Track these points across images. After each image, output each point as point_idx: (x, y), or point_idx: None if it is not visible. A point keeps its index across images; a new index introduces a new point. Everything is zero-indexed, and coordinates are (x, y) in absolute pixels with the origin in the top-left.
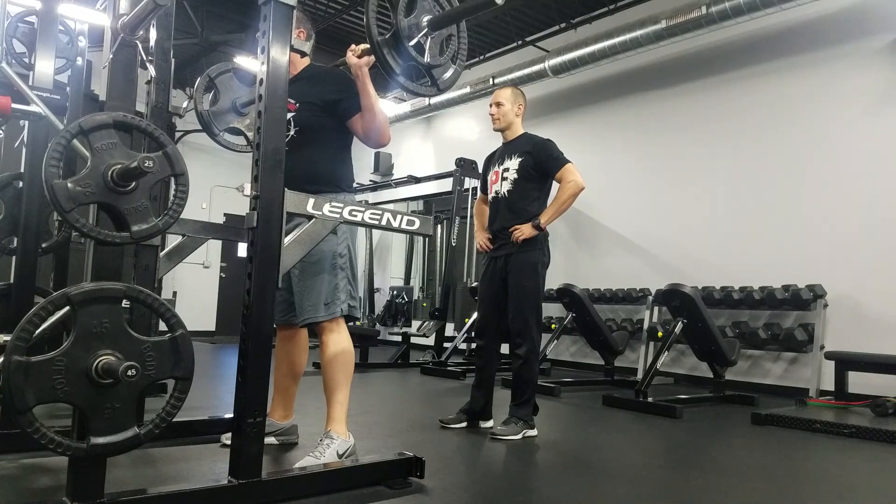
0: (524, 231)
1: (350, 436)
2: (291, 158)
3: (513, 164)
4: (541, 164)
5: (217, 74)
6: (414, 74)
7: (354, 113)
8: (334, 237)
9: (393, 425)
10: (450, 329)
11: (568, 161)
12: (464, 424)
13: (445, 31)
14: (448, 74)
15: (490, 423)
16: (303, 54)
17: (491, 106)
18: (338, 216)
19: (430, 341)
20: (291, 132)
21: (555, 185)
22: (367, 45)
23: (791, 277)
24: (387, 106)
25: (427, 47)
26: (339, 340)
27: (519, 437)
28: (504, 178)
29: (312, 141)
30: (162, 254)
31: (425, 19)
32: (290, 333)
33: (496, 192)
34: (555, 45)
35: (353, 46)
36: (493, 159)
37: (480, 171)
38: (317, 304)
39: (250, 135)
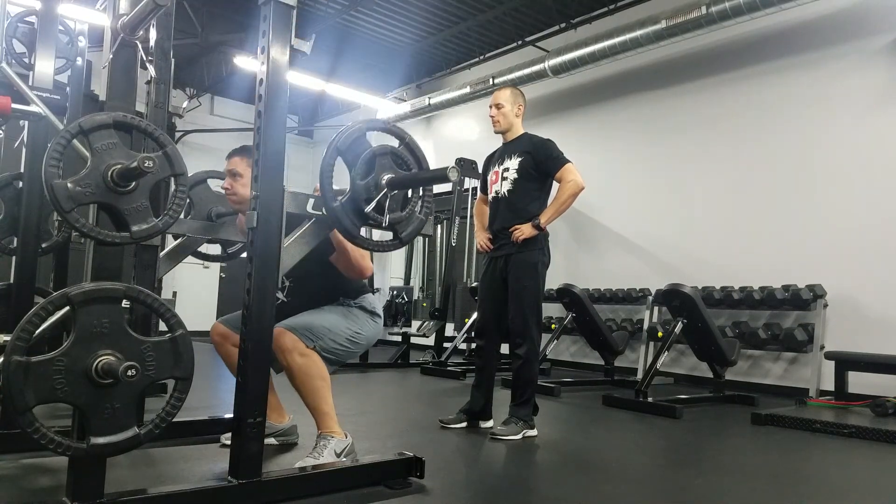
0: (524, 231)
1: (347, 434)
2: (294, 303)
3: (513, 163)
4: (541, 164)
5: (192, 185)
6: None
7: (330, 254)
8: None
9: (393, 425)
10: (450, 329)
11: (568, 161)
12: (464, 424)
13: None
14: (411, 227)
15: (490, 423)
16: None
17: (491, 108)
18: None
19: (430, 341)
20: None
21: (555, 186)
22: None
23: (791, 277)
24: (386, 106)
25: (387, 206)
26: (304, 362)
27: (519, 437)
28: (504, 178)
29: (311, 291)
30: (162, 254)
31: (385, 178)
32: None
33: (496, 192)
34: (555, 45)
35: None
36: (493, 159)
37: (480, 171)
38: (306, 330)
39: (231, 247)
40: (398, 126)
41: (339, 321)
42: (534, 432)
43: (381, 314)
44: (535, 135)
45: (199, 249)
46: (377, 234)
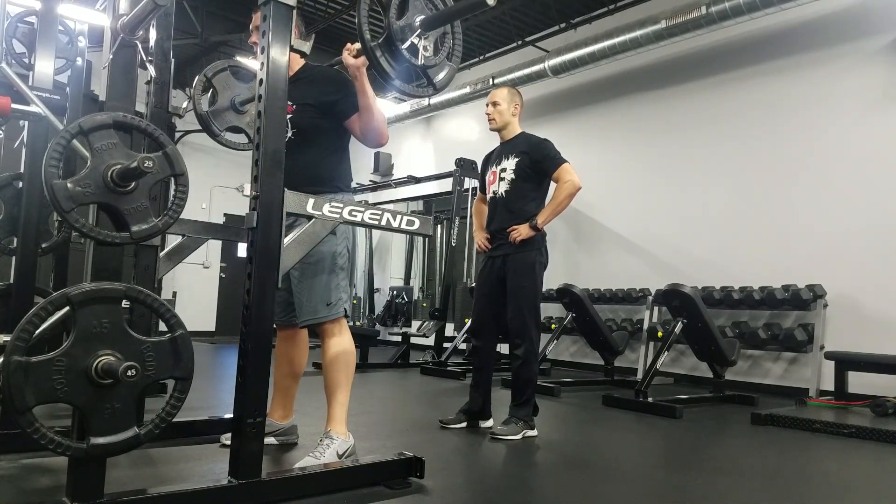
0: (522, 231)
1: (350, 436)
2: (289, 160)
3: (510, 164)
4: (538, 164)
5: (214, 73)
6: (409, 76)
7: (352, 113)
8: (334, 237)
9: (393, 425)
10: (450, 329)
11: (565, 161)
12: (463, 424)
13: (439, 30)
14: (444, 74)
15: (490, 423)
16: (302, 54)
17: (487, 105)
18: (338, 216)
19: (430, 341)
20: (289, 134)
21: (552, 186)
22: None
23: (791, 277)
24: (386, 106)
25: (421, 48)
26: (340, 342)
27: (519, 436)
28: (501, 179)
29: (310, 142)
30: (162, 254)
31: (418, 20)
32: (290, 333)
33: (494, 193)
34: (555, 45)
35: (348, 46)
36: (491, 159)
37: (479, 170)
38: (318, 305)
39: (251, 132)
40: None
41: (331, 270)
42: (534, 433)
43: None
44: (532, 135)
45: (229, 137)
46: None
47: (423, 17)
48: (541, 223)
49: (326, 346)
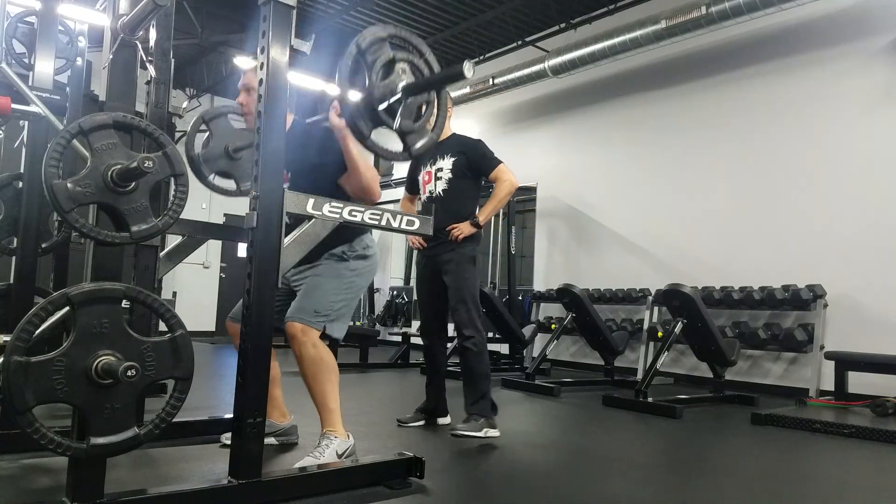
0: (463, 229)
1: (349, 436)
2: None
3: (446, 164)
4: (474, 164)
5: (211, 118)
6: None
7: (341, 173)
8: (348, 265)
9: (393, 426)
10: (450, 329)
11: (500, 161)
12: (421, 423)
13: (422, 97)
14: (422, 142)
15: (447, 420)
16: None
17: None
18: (337, 216)
19: None
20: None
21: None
22: None
23: (791, 277)
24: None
25: (399, 113)
26: (315, 353)
27: (481, 433)
28: (438, 178)
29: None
30: (162, 254)
31: (400, 85)
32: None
33: (430, 192)
34: (555, 45)
35: (335, 104)
36: (423, 159)
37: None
38: (310, 309)
39: (242, 180)
40: (419, 38)
41: (337, 284)
42: (496, 432)
43: (376, 248)
44: (463, 135)
45: (216, 182)
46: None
47: (405, 82)
48: (482, 220)
49: (301, 357)
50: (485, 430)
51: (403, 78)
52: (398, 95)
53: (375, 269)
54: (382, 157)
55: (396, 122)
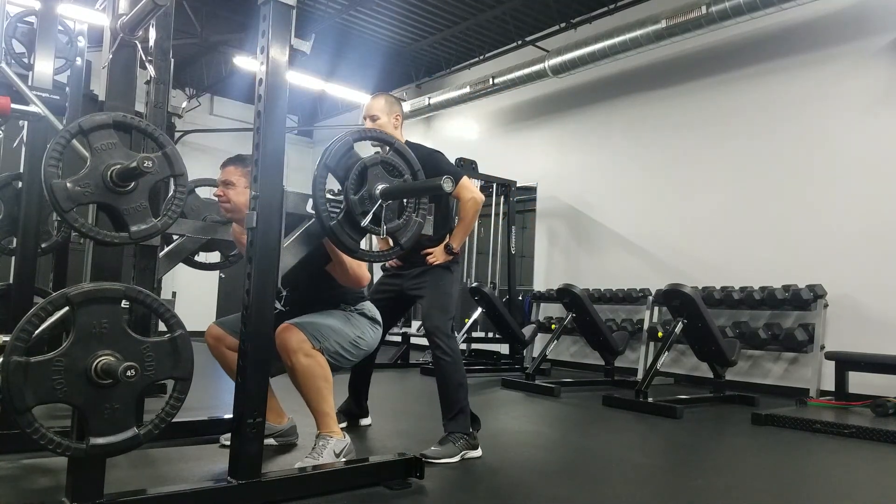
0: (438, 256)
1: (345, 435)
2: (293, 311)
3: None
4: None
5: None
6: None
7: (326, 264)
8: (351, 322)
9: (393, 426)
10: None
11: (462, 174)
12: (344, 424)
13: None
14: (411, 233)
15: (368, 420)
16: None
17: (365, 120)
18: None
19: None
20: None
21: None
22: None
23: (791, 277)
24: None
25: (384, 217)
26: (307, 363)
27: (457, 458)
28: None
29: (309, 300)
30: (162, 254)
31: (378, 189)
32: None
33: None
34: (555, 45)
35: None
36: None
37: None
38: (311, 326)
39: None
40: (384, 132)
41: (343, 325)
42: (476, 453)
43: (381, 322)
44: (420, 144)
45: (197, 259)
46: (377, 241)
47: (383, 186)
48: (456, 247)
49: (293, 361)
50: (462, 451)
51: (378, 185)
52: (377, 203)
53: (378, 339)
54: (376, 262)
55: (383, 230)
